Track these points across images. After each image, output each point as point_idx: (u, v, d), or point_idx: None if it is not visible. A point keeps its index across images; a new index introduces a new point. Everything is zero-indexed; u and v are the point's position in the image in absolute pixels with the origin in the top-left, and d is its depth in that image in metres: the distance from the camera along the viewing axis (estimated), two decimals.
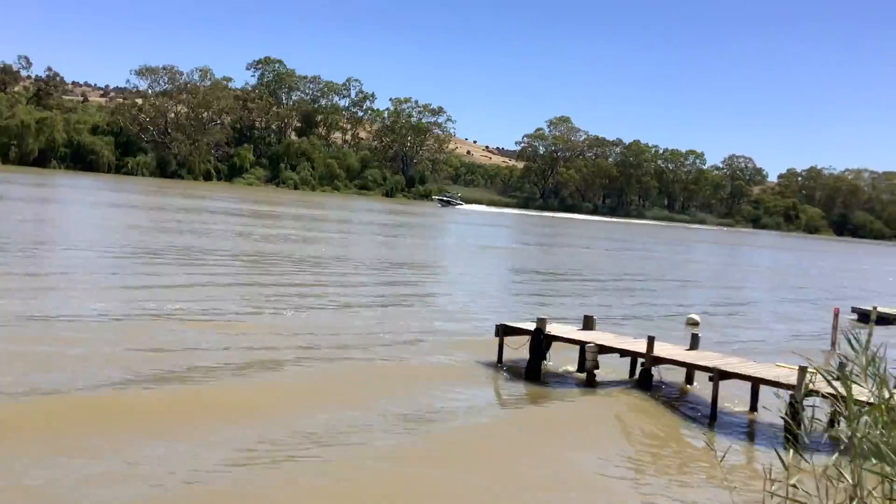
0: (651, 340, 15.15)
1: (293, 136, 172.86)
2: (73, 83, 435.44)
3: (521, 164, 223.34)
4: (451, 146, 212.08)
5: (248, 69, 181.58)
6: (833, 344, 20.77)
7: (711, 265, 61.53)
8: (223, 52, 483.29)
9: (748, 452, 12.10)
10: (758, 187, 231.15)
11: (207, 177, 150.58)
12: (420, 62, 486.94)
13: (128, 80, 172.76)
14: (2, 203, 49.50)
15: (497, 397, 15.20)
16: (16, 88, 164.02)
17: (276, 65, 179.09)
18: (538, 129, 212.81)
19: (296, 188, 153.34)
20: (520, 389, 15.47)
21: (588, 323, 17.47)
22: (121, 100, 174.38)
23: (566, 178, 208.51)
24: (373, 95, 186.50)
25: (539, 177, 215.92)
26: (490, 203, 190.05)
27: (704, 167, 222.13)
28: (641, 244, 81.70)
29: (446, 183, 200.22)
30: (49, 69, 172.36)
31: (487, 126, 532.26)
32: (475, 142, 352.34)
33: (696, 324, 25.15)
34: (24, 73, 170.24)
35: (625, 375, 16.23)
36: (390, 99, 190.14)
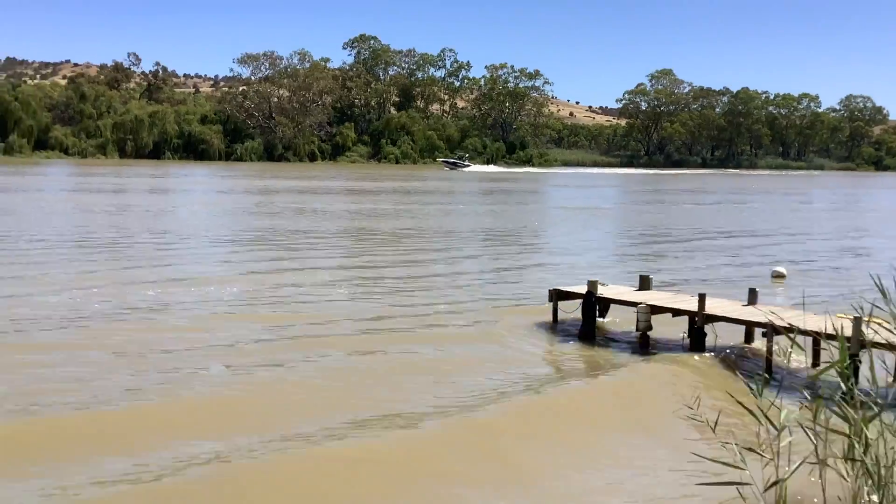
0: (702, 297, 14.73)
1: (392, 111, 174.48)
2: (185, 75, 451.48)
3: (624, 122, 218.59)
4: (552, 109, 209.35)
5: (344, 48, 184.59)
6: None
7: (824, 213, 58.83)
8: (320, 34, 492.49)
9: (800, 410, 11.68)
10: (879, 127, 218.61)
11: (312, 157, 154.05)
12: (514, 27, 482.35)
13: (231, 69, 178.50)
14: (124, 195, 52.10)
15: (546, 363, 15.13)
16: (129, 85, 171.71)
17: (372, 41, 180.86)
18: (639, 85, 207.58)
19: (397, 162, 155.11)
20: (571, 352, 15.46)
21: (644, 283, 17.15)
22: (226, 89, 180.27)
23: (671, 132, 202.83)
24: (468, 64, 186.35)
25: (643, 133, 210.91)
26: (593, 164, 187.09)
27: (820, 110, 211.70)
28: (750, 196, 78.82)
29: (548, 147, 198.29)
30: (157, 64, 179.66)
31: (589, 86, 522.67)
32: (577, 103, 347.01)
33: (781, 277, 24.20)
34: (135, 69, 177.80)
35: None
36: (486, 66, 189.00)
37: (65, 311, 16.87)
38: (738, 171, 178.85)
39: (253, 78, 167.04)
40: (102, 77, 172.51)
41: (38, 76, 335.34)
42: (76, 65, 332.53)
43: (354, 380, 12.81)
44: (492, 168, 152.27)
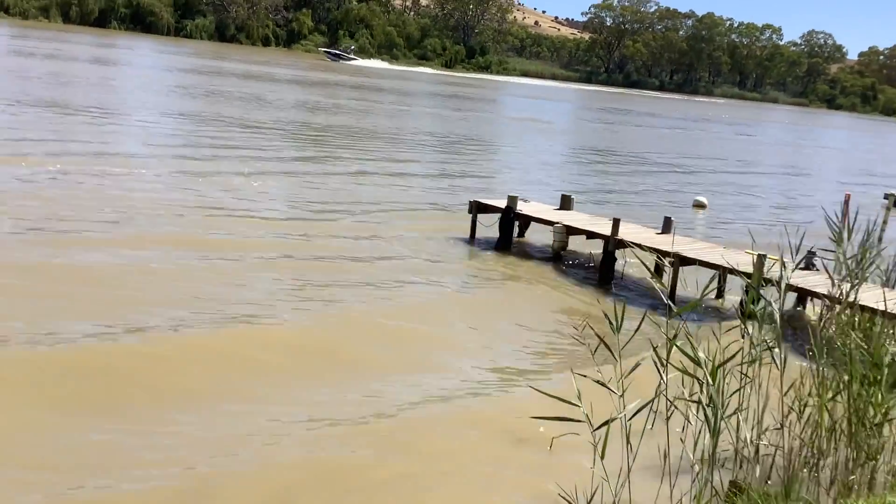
0: (616, 222, 14.69)
1: (353, 2, 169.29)
2: None
3: (587, 37, 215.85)
4: (517, 16, 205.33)
5: None
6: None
7: (769, 146, 59.40)
8: None
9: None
10: (836, 66, 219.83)
11: (266, 42, 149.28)
12: None
13: None
14: (70, 64, 49.87)
15: (444, 269, 15.12)
16: None
17: None
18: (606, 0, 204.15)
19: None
20: (475, 262, 15.54)
21: (565, 203, 17.08)
22: None
23: (633, 51, 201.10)
24: None
25: (604, 50, 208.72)
26: (552, 77, 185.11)
27: (781, 43, 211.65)
28: (701, 123, 79.09)
29: (509, 55, 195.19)
30: None
31: None
32: (544, 12, 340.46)
33: (702, 206, 24.38)
34: None
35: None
36: None
37: None
38: (694, 97, 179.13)
39: None
40: None
41: None
42: None
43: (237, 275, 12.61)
44: (379, 64, 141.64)
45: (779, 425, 6.19)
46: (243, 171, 20.61)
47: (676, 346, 5.39)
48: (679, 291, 13.13)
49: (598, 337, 5.19)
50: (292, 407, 8.31)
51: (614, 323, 5.14)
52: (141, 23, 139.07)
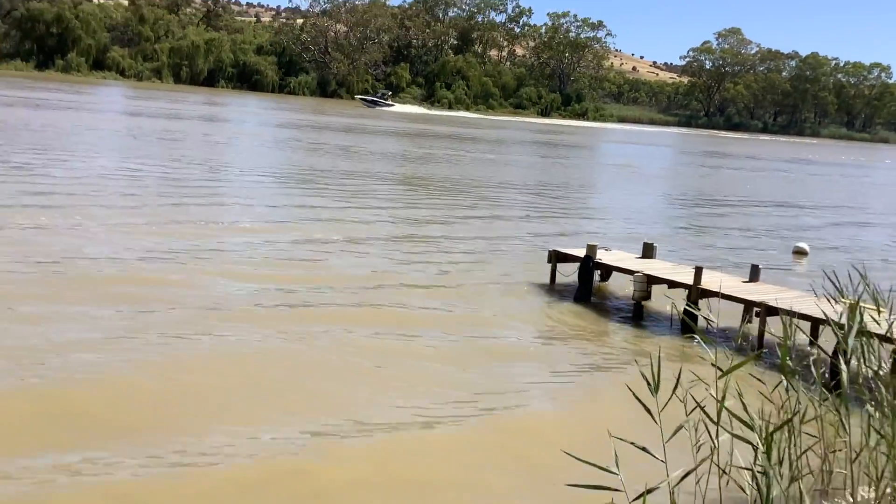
0: (699, 271, 14.13)
1: (450, 54, 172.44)
2: (248, 4, 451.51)
3: (686, 81, 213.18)
4: (614, 62, 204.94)
5: None
6: None
7: (880, 188, 56.84)
8: None
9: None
10: None
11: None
12: None
13: (290, 0, 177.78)
14: (181, 122, 52.35)
15: (520, 321, 14.78)
16: (188, 10, 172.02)
17: None
18: (705, 43, 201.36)
19: (450, 107, 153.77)
20: (552, 313, 15.15)
21: (647, 251, 16.61)
22: (285, 20, 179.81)
23: (734, 94, 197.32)
24: (530, 10, 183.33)
25: (704, 93, 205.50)
26: (650, 121, 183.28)
27: (891, 81, 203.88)
28: (806, 165, 76.53)
29: (605, 101, 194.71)
30: None
31: (655, 40, 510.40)
32: (641, 57, 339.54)
33: (803, 253, 23.33)
34: None
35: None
36: (548, 14, 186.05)
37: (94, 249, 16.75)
38: (799, 138, 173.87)
39: (312, 11, 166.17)
40: (163, 1, 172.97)
41: None
42: None
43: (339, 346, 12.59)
44: (416, 109, 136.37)
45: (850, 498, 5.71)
46: (323, 219, 20.83)
47: (726, 408, 5.06)
48: (769, 341, 12.50)
49: (638, 399, 4.90)
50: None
51: (651, 383, 4.85)
52: (247, 81, 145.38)
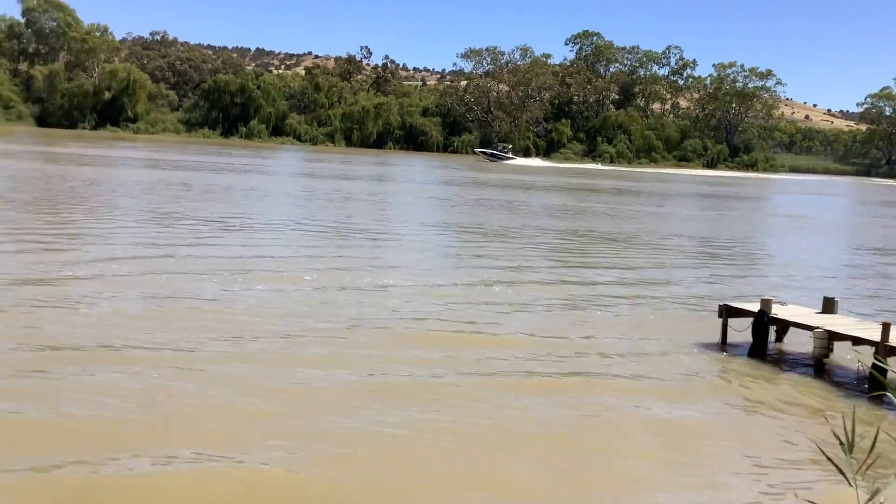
0: (886, 327, 13.34)
1: (611, 109, 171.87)
2: (415, 69, 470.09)
3: (864, 128, 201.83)
4: (785, 111, 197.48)
5: (566, 44, 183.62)
6: None
7: None
8: (543, 30, 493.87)
9: None
10: None
11: (527, 153, 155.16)
12: (747, 22, 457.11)
13: (454, 64, 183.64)
14: (347, 182, 55.23)
15: (704, 378, 14.36)
16: (359, 77, 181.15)
17: (594, 38, 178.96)
18: (884, 89, 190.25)
19: (612, 161, 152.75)
20: (731, 373, 14.58)
21: (828, 306, 15.85)
22: (449, 82, 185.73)
23: None
24: (694, 62, 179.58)
25: (885, 141, 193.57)
26: (825, 171, 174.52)
27: None
28: None
29: (776, 151, 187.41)
30: (386, 57, 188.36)
31: (829, 87, 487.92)
32: (815, 105, 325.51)
33: None
34: (366, 62, 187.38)
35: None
36: (713, 65, 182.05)
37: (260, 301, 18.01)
38: None
39: (475, 72, 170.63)
40: (336, 69, 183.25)
41: (282, 66, 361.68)
42: (317, 56, 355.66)
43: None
44: (537, 162, 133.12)
45: None
46: (490, 281, 20.96)
47: None
48: None
49: (830, 461, 4.79)
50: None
51: (845, 443, 4.71)
52: (413, 142, 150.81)
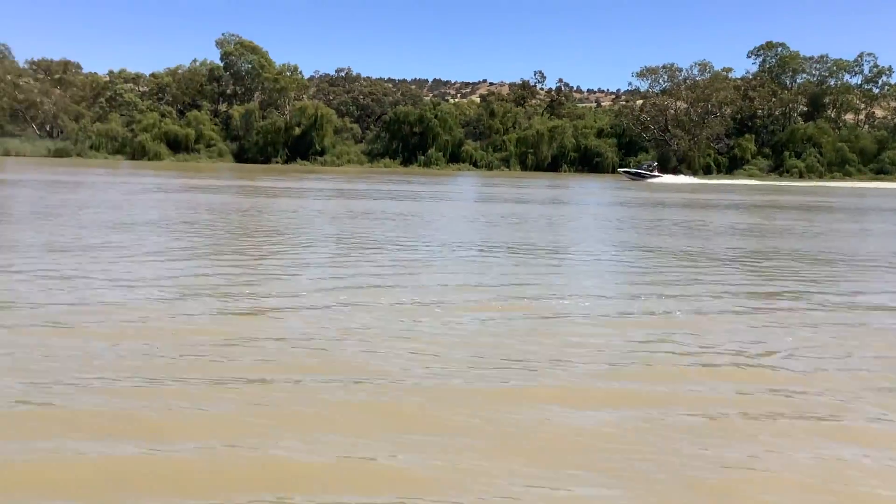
0: None
1: (799, 122, 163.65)
2: (588, 90, 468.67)
3: None
4: None
5: (748, 57, 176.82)
6: None
7: None
8: (722, 44, 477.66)
9: None
10: None
11: (707, 171, 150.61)
12: None
13: (629, 83, 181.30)
14: (530, 206, 56.09)
15: None
16: (533, 101, 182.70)
17: (779, 48, 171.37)
18: None
19: (801, 176, 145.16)
20: None
21: None
22: (624, 102, 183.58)
23: None
24: (890, 69, 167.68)
25: None
26: None
27: None
28: None
29: None
30: (560, 80, 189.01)
31: None
32: None
33: None
34: (540, 86, 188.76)
35: None
36: None
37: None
38: None
39: (651, 91, 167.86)
40: (511, 95, 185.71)
41: (458, 95, 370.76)
42: (491, 84, 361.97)
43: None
44: (686, 179, 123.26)
45: None
46: (676, 311, 19.63)
47: None
48: None
49: None
50: None
51: None
52: (588, 164, 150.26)
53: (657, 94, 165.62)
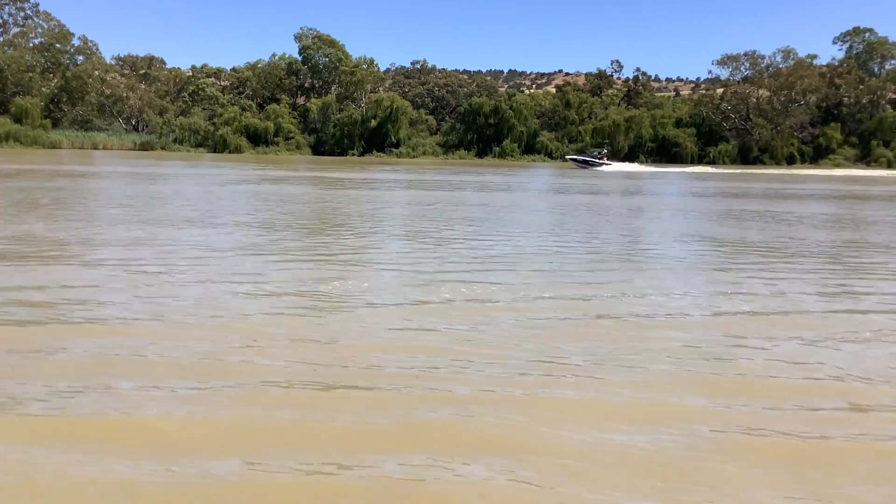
0: None
1: (888, 109, 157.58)
2: (667, 79, 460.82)
3: None
4: None
5: (834, 43, 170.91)
6: None
7: None
8: (807, 30, 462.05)
9: None
10: None
11: (790, 160, 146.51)
12: None
13: (709, 71, 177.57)
14: (597, 196, 55.66)
15: None
16: (610, 91, 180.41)
17: (867, 34, 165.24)
18: None
19: (889, 166, 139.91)
20: None
21: None
22: (704, 91, 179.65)
23: None
24: None
25: None
26: None
27: None
28: None
29: None
30: (637, 70, 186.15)
31: None
32: None
33: None
34: (617, 76, 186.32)
35: None
36: None
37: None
38: None
39: (731, 79, 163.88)
40: (587, 85, 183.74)
41: (533, 86, 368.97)
42: (567, 74, 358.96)
43: None
44: (634, 167, 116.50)
45: None
46: (752, 311, 16.75)
47: None
48: None
49: None
50: None
51: None
52: (666, 154, 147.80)
53: (738, 82, 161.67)
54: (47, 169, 69.45)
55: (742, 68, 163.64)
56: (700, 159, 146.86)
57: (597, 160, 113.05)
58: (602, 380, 11.12)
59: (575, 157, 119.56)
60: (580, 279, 19.88)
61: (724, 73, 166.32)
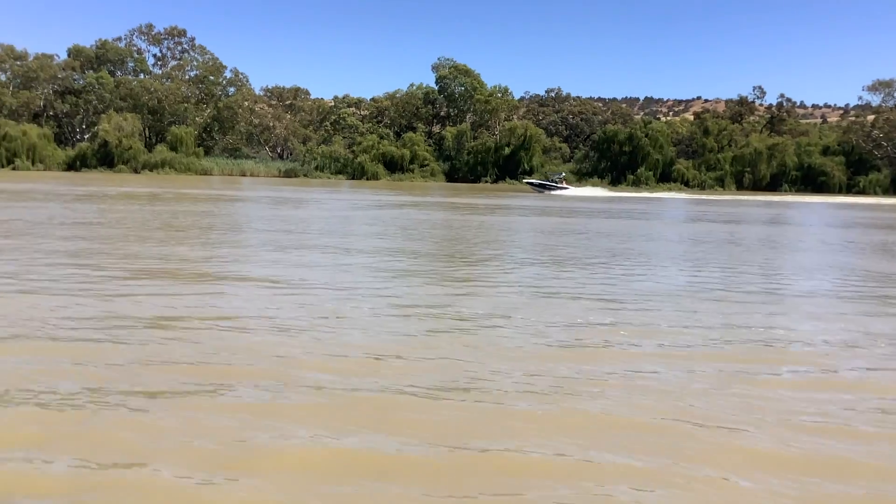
0: None
1: None
2: (813, 105, 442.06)
3: None
4: None
5: None
6: None
7: None
8: None
9: None
10: None
11: None
12: None
13: (860, 97, 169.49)
14: (735, 226, 54.25)
15: None
16: (751, 118, 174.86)
17: None
18: None
19: None
20: None
21: None
22: (853, 118, 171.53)
23: None
24: None
25: None
26: None
27: None
28: None
29: None
30: (781, 96, 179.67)
31: None
32: None
33: None
34: (759, 102, 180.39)
35: None
36: None
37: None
38: None
39: (884, 105, 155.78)
40: (727, 111, 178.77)
41: (670, 113, 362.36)
42: (706, 101, 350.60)
43: None
44: (596, 191, 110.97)
45: None
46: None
47: None
48: None
49: None
50: None
51: None
52: (812, 183, 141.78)
53: (891, 108, 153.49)
54: (209, 193, 73.84)
55: (894, 94, 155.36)
56: (849, 189, 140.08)
57: (555, 184, 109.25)
58: None
59: (531, 181, 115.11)
60: None
61: (875, 100, 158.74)
